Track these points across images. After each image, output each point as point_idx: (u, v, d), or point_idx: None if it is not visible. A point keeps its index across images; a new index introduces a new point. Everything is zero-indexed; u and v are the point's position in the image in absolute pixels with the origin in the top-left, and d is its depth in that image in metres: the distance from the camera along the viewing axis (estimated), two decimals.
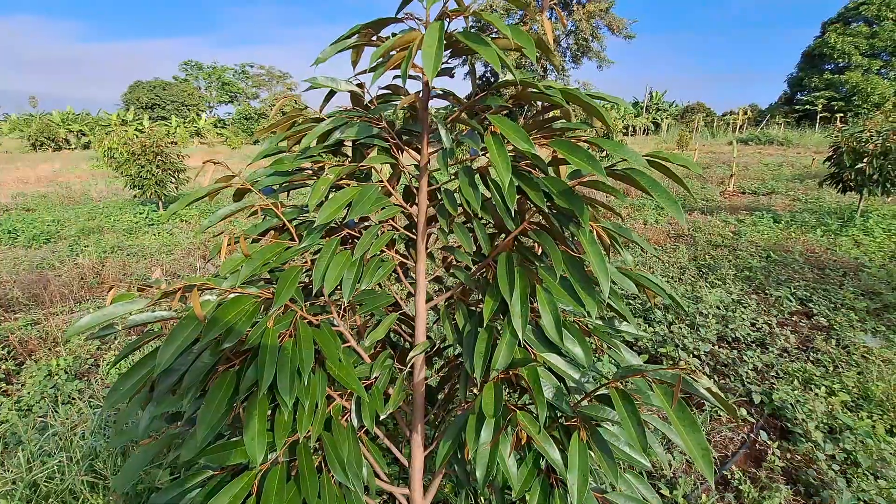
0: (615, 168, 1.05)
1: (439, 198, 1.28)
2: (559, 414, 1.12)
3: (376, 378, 1.30)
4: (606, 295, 1.01)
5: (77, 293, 4.87)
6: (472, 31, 1.02)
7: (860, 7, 30.66)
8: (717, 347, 3.46)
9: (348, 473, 1.08)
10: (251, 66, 57.65)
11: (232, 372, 1.06)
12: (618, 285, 1.20)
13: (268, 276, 1.28)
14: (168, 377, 1.05)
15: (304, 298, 1.20)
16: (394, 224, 1.32)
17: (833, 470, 2.25)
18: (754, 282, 4.78)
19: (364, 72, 1.20)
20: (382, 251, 1.29)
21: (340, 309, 1.35)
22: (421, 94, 1.21)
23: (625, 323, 1.30)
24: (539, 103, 1.19)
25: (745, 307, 4.11)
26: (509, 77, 1.02)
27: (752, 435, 2.60)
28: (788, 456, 2.42)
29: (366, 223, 1.40)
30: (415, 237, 1.31)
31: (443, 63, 1.05)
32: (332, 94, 1.35)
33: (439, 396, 1.68)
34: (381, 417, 1.23)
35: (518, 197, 1.15)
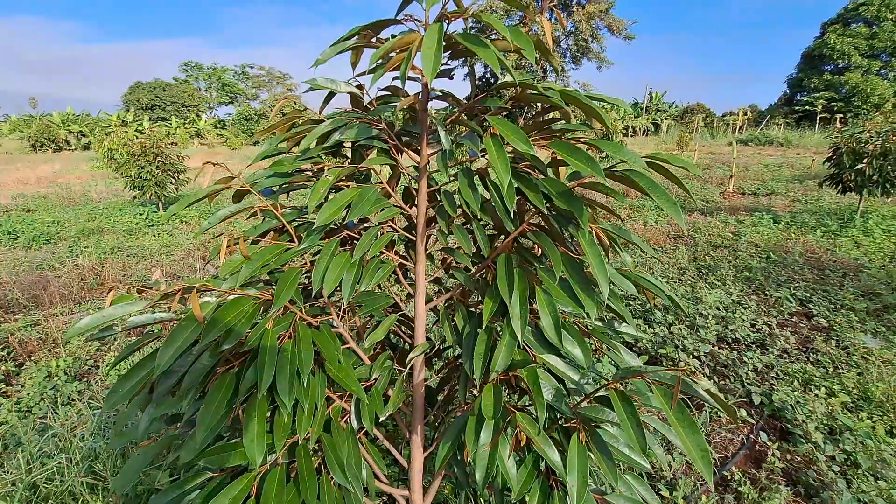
0: (614, 169, 1.05)
1: (439, 199, 1.28)
2: (559, 415, 1.12)
3: (376, 379, 1.30)
4: (606, 296, 1.01)
5: (77, 294, 4.87)
6: (472, 32, 1.02)
7: (860, 8, 30.69)
8: (716, 348, 3.46)
9: (348, 475, 1.08)
10: (251, 67, 57.71)
11: (231, 373, 1.05)
12: (617, 286, 1.20)
13: (267, 278, 1.28)
14: (167, 379, 1.05)
15: (303, 300, 1.20)
16: (393, 225, 1.32)
17: (833, 471, 2.25)
18: (754, 283, 4.78)
19: (364, 73, 1.20)
20: (382, 252, 1.29)
21: (340, 310, 1.35)
22: (420, 96, 1.22)
23: (624, 324, 1.30)
24: (538, 105, 1.19)
25: (744, 308, 4.11)
26: (508, 79, 1.02)
27: (752, 436, 2.60)
28: (788, 457, 2.42)
29: (365, 224, 1.40)
30: (414, 238, 1.31)
31: (442, 64, 1.05)
32: (331, 95, 1.35)
33: (439, 398, 1.67)
34: (381, 419, 1.23)
35: (517, 198, 1.16)
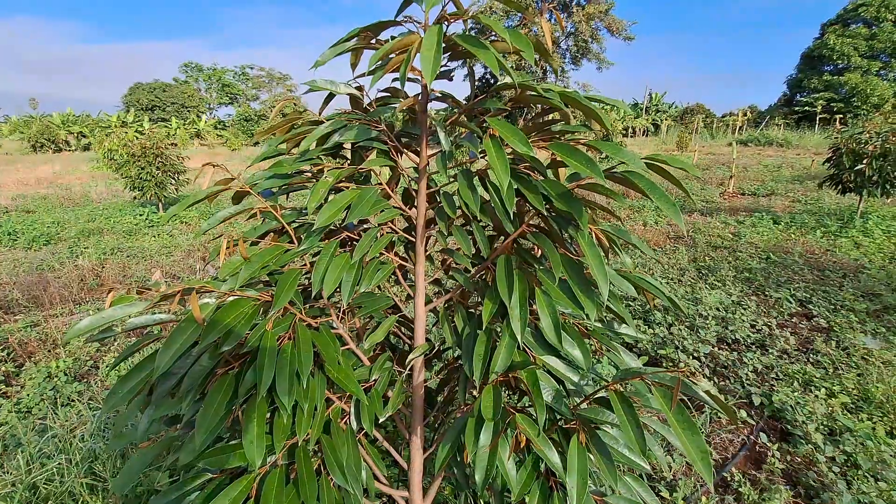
0: (614, 171, 1.05)
1: (438, 200, 1.28)
2: (558, 417, 1.12)
3: (375, 380, 1.30)
4: (605, 298, 1.01)
5: (77, 295, 4.87)
6: (471, 33, 1.03)
7: (859, 9, 30.72)
8: (716, 349, 3.46)
9: (347, 476, 1.08)
10: (251, 68, 57.72)
11: (231, 375, 1.05)
12: (616, 288, 1.20)
13: (267, 279, 1.28)
14: (167, 380, 1.05)
15: (303, 301, 1.20)
16: (393, 227, 1.32)
17: (833, 472, 2.25)
18: (754, 283, 4.78)
19: (363, 75, 1.20)
20: (381, 254, 1.29)
21: (339, 311, 1.35)
22: (420, 97, 1.22)
23: (624, 325, 1.30)
24: (538, 106, 1.19)
25: (744, 309, 4.11)
26: (508, 80, 1.02)
27: (752, 437, 2.60)
28: (788, 458, 2.42)
29: (365, 226, 1.40)
30: (414, 240, 1.31)
31: (442, 66, 1.05)
32: (331, 96, 1.35)
33: (439, 399, 1.67)
34: (381, 420, 1.23)
35: (517, 199, 1.16)
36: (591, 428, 1.02)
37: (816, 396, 2.82)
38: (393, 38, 1.07)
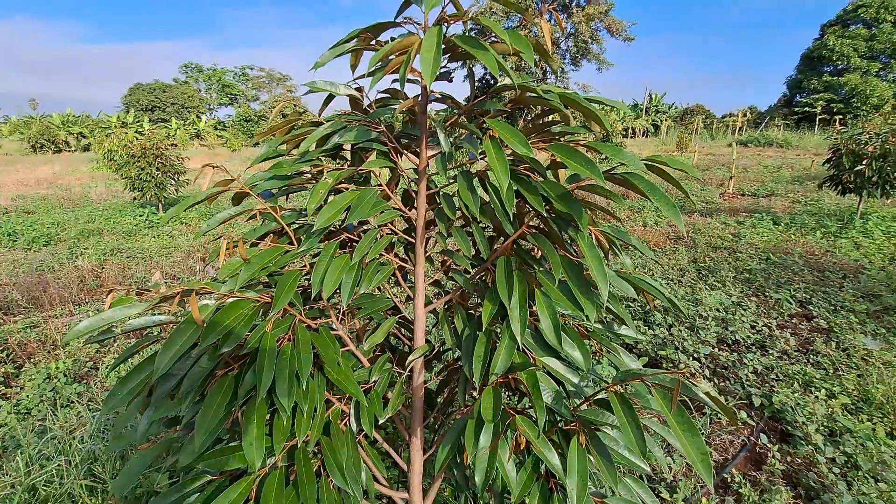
0: (614, 172, 1.05)
1: (438, 201, 1.28)
2: (558, 418, 1.12)
3: (375, 382, 1.29)
4: (605, 299, 1.01)
5: (76, 296, 4.86)
6: (471, 34, 1.03)
7: (859, 9, 30.76)
8: (716, 350, 3.46)
9: (347, 478, 1.08)
10: (251, 69, 57.75)
11: (230, 376, 1.05)
12: (616, 289, 1.19)
13: (266, 280, 1.28)
14: (166, 382, 1.05)
15: (302, 302, 1.20)
16: (393, 228, 1.32)
17: (833, 473, 2.24)
18: (754, 284, 4.78)
19: (363, 76, 1.20)
20: (381, 255, 1.29)
21: (339, 313, 1.35)
22: (420, 98, 1.22)
23: (624, 326, 1.30)
24: (538, 107, 1.19)
25: (744, 309, 4.11)
26: (508, 81, 1.02)
27: (752, 438, 2.60)
28: (789, 459, 2.42)
29: (365, 227, 1.40)
30: (414, 241, 1.31)
31: (441, 67, 1.05)
32: (331, 97, 1.35)
33: (439, 400, 1.67)
34: (380, 421, 1.23)
35: (517, 201, 1.15)
36: (591, 429, 1.02)
37: (816, 397, 2.82)
38: (393, 39, 1.07)
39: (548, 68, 28.44)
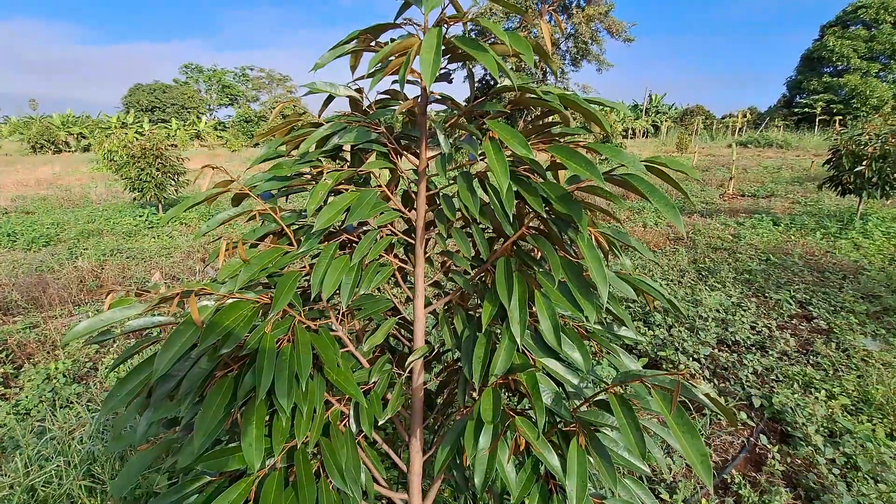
0: (613, 173, 1.05)
1: (438, 203, 1.28)
2: (558, 419, 1.12)
3: (375, 383, 1.29)
4: (605, 300, 1.01)
5: (76, 296, 4.86)
6: (471, 36, 1.03)
7: (858, 11, 30.78)
8: (716, 351, 3.46)
9: (346, 479, 1.08)
10: (251, 69, 57.77)
11: (230, 377, 1.05)
12: (616, 290, 1.19)
13: (266, 281, 1.28)
14: (166, 383, 1.05)
15: (302, 303, 1.20)
16: (392, 229, 1.32)
17: (833, 474, 2.24)
18: (754, 285, 4.78)
19: (363, 77, 1.20)
20: (381, 256, 1.29)
21: (339, 314, 1.35)
22: (419, 99, 1.22)
23: (624, 327, 1.30)
24: (538, 108, 1.19)
25: (744, 310, 4.11)
26: (507, 82, 1.02)
27: (752, 439, 2.60)
28: (788, 460, 2.42)
29: (364, 228, 1.40)
30: (413, 242, 1.31)
31: (441, 68, 1.05)
32: (330, 98, 1.35)
33: (438, 401, 1.67)
34: (380, 422, 1.23)
35: (516, 202, 1.15)
36: (590, 431, 1.02)
37: (816, 398, 2.82)
38: (392, 40, 1.07)
39: (548, 69, 28.46)
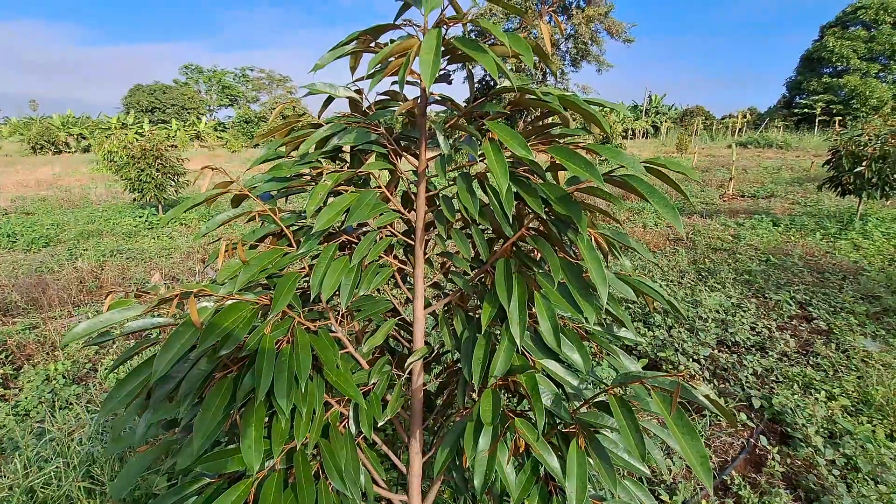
0: (613, 174, 1.05)
1: (437, 204, 1.28)
2: (558, 421, 1.12)
3: (374, 384, 1.29)
4: (605, 302, 1.00)
5: (76, 297, 4.86)
6: (471, 36, 1.03)
7: (858, 11, 30.82)
8: (716, 351, 3.46)
9: (346, 481, 1.08)
10: (251, 70, 57.78)
11: (229, 379, 1.05)
12: (616, 291, 1.19)
13: (265, 282, 1.28)
14: (165, 384, 1.05)
15: (301, 304, 1.20)
16: (392, 230, 1.32)
17: (833, 475, 2.24)
18: (754, 285, 4.78)
19: (363, 78, 1.20)
20: (380, 257, 1.29)
21: (338, 315, 1.35)
22: (419, 100, 1.22)
23: (623, 328, 1.30)
24: (537, 109, 1.19)
25: (744, 311, 4.11)
26: (507, 83, 1.02)
27: (752, 440, 2.60)
28: (788, 461, 2.42)
29: (364, 229, 1.40)
30: (413, 243, 1.31)
31: (440, 69, 1.05)
32: (330, 99, 1.35)
33: (438, 402, 1.67)
34: (379, 424, 1.22)
35: (516, 203, 1.15)
36: (590, 432, 1.02)
37: (816, 399, 2.82)
38: (392, 41, 1.07)
39: (547, 70, 28.48)
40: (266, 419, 1.06)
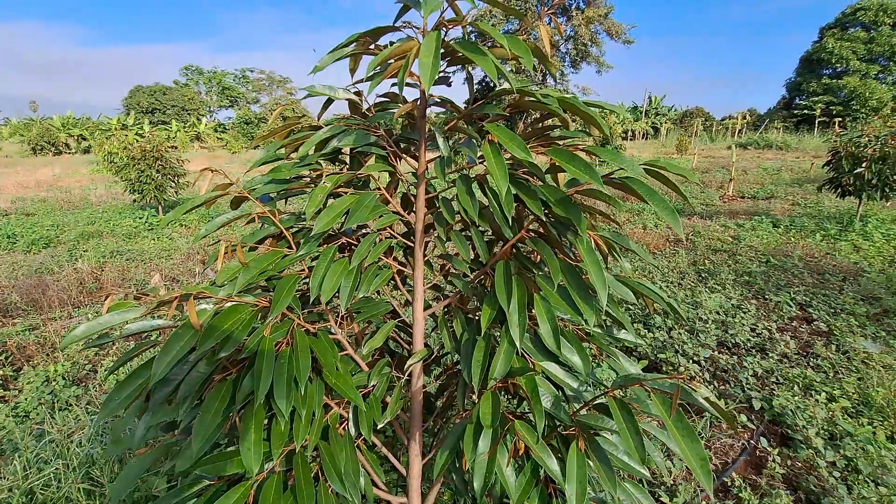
0: (612, 177, 1.05)
1: (437, 205, 1.28)
2: (557, 423, 1.12)
3: (374, 386, 1.29)
4: (604, 303, 1.00)
5: (76, 298, 4.86)
6: (471, 38, 1.03)
7: (857, 13, 30.87)
8: (716, 353, 3.45)
9: (345, 483, 1.07)
10: (251, 71, 57.86)
11: (228, 381, 1.05)
12: (615, 293, 1.19)
13: (265, 284, 1.28)
14: (164, 387, 1.05)
15: (301, 306, 1.20)
16: (392, 232, 1.32)
17: (834, 477, 2.24)
18: (754, 287, 4.78)
19: (362, 80, 1.20)
20: (380, 259, 1.29)
21: (338, 317, 1.34)
22: (418, 102, 1.22)
23: (623, 330, 1.30)
24: (537, 110, 1.19)
25: (744, 312, 4.10)
26: (507, 86, 1.02)
27: (752, 441, 2.59)
28: (789, 463, 2.41)
29: (364, 231, 1.40)
30: (412, 245, 1.31)
31: (440, 71, 1.05)
32: (330, 101, 1.35)
33: (438, 404, 1.67)
34: (379, 426, 1.22)
35: (516, 205, 1.15)
36: (590, 434, 1.02)
37: (817, 401, 2.82)
38: (392, 43, 1.07)
39: (547, 71, 28.51)
40: (265, 421, 1.06)
